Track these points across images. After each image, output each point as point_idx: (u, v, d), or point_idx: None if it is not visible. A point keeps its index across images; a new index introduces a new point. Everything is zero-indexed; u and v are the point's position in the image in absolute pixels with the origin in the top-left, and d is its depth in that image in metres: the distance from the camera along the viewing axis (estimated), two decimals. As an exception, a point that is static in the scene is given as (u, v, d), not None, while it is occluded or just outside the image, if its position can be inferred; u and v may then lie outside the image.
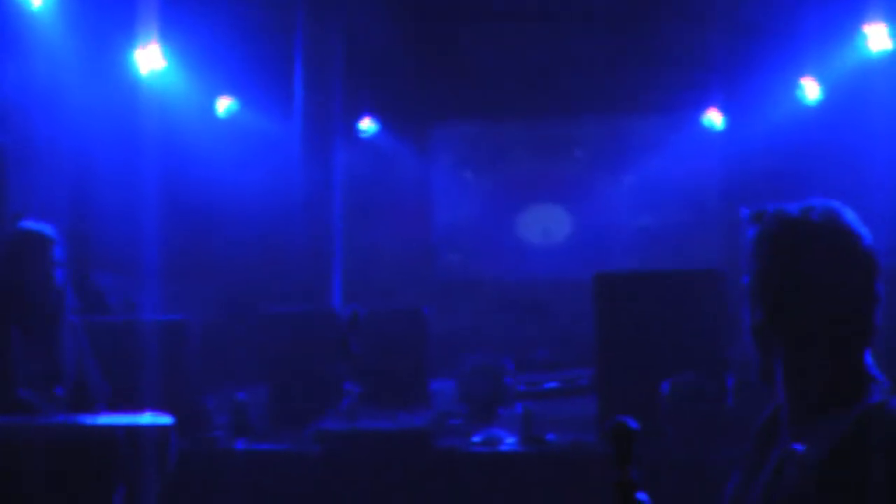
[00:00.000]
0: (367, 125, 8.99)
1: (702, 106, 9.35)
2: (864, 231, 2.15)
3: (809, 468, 2.08)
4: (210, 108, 8.04)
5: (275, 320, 6.40)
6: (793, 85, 8.11)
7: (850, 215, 2.17)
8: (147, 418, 3.94)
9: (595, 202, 9.93)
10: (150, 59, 6.92)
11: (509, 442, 5.49)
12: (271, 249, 7.68)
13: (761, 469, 2.22)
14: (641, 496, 2.08)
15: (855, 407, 2.07)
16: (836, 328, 2.10)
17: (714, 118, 9.32)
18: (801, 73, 8.01)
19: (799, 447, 2.12)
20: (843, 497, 2.04)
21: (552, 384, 6.89)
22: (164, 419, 3.94)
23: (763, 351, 2.22)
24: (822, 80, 7.86)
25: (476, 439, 5.50)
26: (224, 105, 8.00)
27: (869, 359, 2.12)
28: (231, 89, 7.96)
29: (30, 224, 4.15)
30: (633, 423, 2.16)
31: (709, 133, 9.43)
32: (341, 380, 5.88)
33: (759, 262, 2.22)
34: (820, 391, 2.13)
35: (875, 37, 6.71)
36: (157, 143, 7.49)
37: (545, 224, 9.84)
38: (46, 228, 4.12)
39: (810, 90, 7.93)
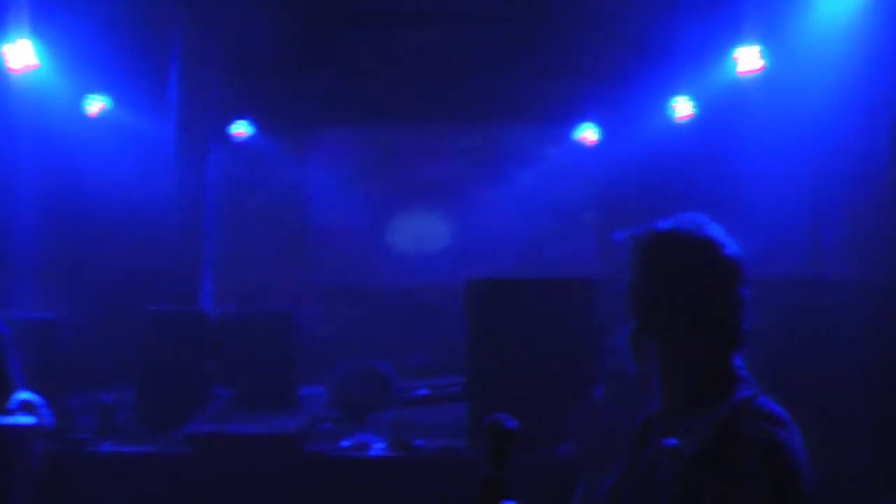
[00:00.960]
0: (243, 127, 8.91)
1: (579, 119, 9.49)
2: (727, 241, 2.25)
3: (682, 462, 2.18)
4: (83, 105, 7.89)
5: (144, 321, 6.31)
6: (667, 101, 8.27)
7: (715, 227, 2.27)
8: (9, 419, 3.86)
9: (473, 210, 10.00)
10: (21, 55, 6.76)
11: (378, 447, 5.50)
12: (144, 250, 7.56)
13: (635, 468, 2.29)
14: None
15: (723, 403, 2.19)
16: (704, 332, 2.21)
17: (591, 131, 9.47)
18: (676, 90, 8.18)
19: (671, 442, 2.20)
20: (715, 488, 2.14)
21: (423, 391, 6.91)
22: (26, 419, 3.87)
23: (638, 356, 2.31)
24: (696, 96, 8.04)
25: (345, 444, 5.51)
26: (98, 102, 7.86)
27: (738, 360, 2.22)
28: (105, 86, 7.82)
29: None
30: (510, 422, 2.22)
31: (585, 145, 9.58)
32: (211, 382, 5.83)
33: (632, 272, 2.32)
34: (690, 391, 2.23)
35: (747, 57, 6.88)
36: (29, 141, 7.34)
37: (422, 231, 9.88)
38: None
39: (683, 106, 8.10)
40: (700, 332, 2.22)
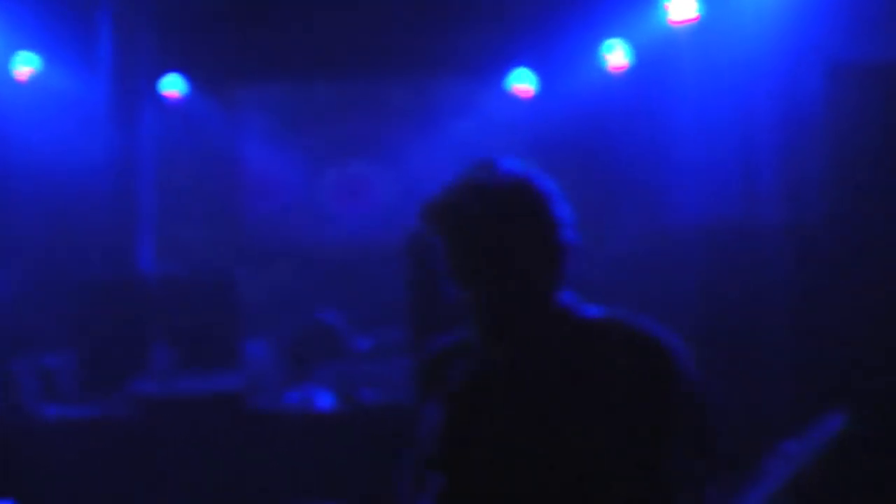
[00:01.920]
0: (175, 84, 8.80)
1: (511, 68, 9.48)
2: (527, 188, 2.33)
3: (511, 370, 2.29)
4: (11, 67, 7.73)
5: (84, 284, 6.26)
6: (601, 49, 8.27)
7: (512, 174, 2.36)
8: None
9: (406, 164, 9.98)
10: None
11: (324, 401, 5.52)
12: (79, 212, 7.46)
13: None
14: None
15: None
16: (508, 280, 2.29)
17: (525, 83, 9.46)
18: (610, 37, 8.17)
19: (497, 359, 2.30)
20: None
21: (365, 345, 6.92)
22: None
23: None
24: (631, 44, 8.05)
25: (290, 399, 5.52)
26: (27, 67, 7.70)
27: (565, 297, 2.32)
28: (32, 43, 7.67)
29: None
30: None
31: (520, 98, 9.57)
32: (152, 343, 5.80)
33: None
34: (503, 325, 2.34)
35: (681, 7, 6.90)
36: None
37: (356, 186, 9.85)
38: None
39: (618, 57, 8.11)
40: (505, 281, 2.29)
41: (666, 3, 7.08)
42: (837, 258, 5.60)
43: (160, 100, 8.48)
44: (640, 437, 2.28)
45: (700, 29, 6.97)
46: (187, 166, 9.15)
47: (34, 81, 7.71)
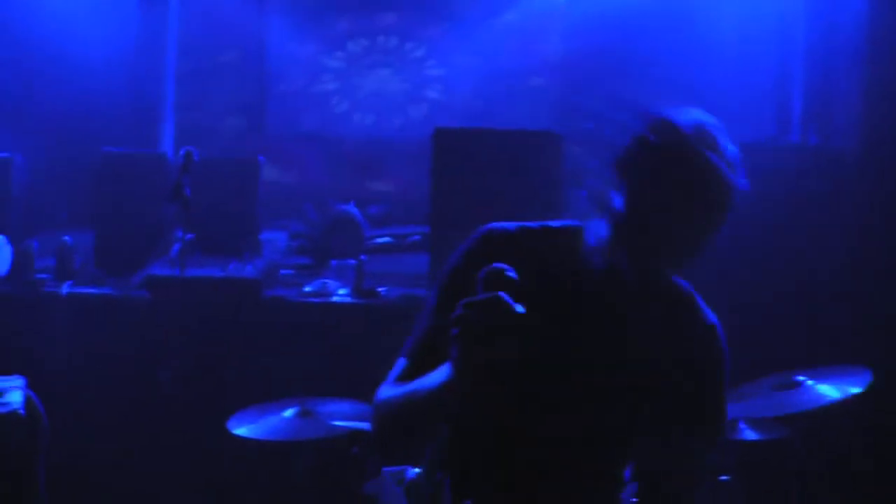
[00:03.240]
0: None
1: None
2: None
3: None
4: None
5: (104, 162, 6.22)
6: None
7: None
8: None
9: (437, 59, 9.86)
10: None
11: (341, 293, 5.51)
12: (103, 90, 7.40)
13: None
14: None
15: None
16: None
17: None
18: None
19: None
20: None
21: (384, 240, 6.90)
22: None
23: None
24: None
25: (308, 289, 5.51)
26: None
27: None
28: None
29: None
30: (510, 272, 2.18)
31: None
32: (171, 226, 5.78)
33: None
34: None
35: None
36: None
37: (382, 81, 9.75)
38: None
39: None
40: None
41: None
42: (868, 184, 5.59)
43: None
44: (663, 410, 2.42)
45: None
46: (211, 52, 9.05)
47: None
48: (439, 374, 2.22)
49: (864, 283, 5.52)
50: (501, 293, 2.09)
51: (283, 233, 6.40)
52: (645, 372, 2.40)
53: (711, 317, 2.48)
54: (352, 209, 6.10)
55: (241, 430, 4.39)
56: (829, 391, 4.36)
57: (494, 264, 2.16)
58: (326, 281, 5.56)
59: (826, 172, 5.80)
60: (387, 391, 2.43)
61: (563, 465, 2.46)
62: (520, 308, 2.10)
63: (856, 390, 4.28)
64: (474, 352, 2.11)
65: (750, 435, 4.58)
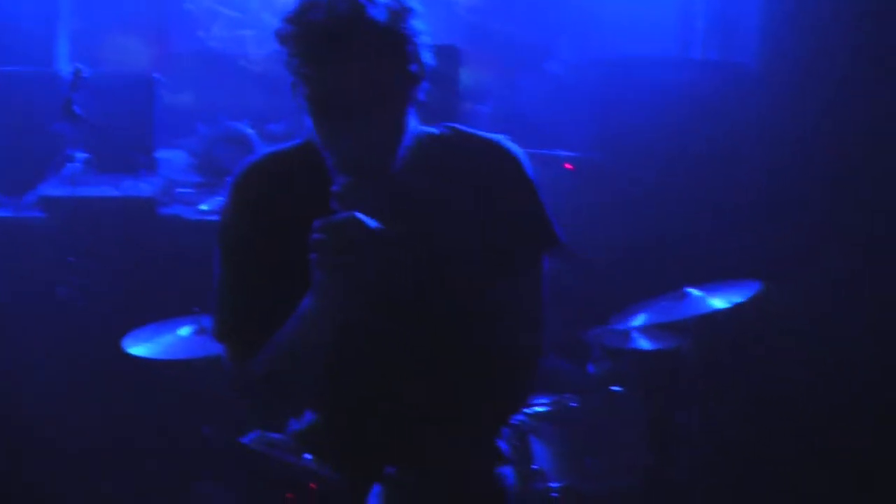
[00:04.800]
0: None
1: None
2: None
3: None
4: None
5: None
6: None
7: None
8: None
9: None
10: None
11: (238, 211, 5.44)
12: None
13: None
14: None
15: None
16: None
17: None
18: None
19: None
20: None
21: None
22: None
23: None
24: None
25: (203, 207, 5.44)
26: None
27: None
28: None
29: None
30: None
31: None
32: (65, 145, 5.66)
33: None
34: None
35: None
36: None
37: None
38: None
39: None
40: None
41: None
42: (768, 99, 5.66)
43: None
44: (492, 234, 2.42)
45: None
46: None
47: None
48: (304, 309, 2.20)
49: (763, 198, 5.59)
50: (357, 212, 2.10)
51: (182, 151, 6.28)
52: (472, 229, 2.40)
53: (488, 137, 2.50)
54: (239, 125, 6.00)
55: (137, 350, 4.35)
56: (718, 302, 4.47)
57: (344, 179, 2.15)
58: (223, 198, 5.47)
59: (726, 87, 5.85)
60: (247, 360, 2.38)
61: (441, 373, 2.46)
62: (373, 222, 2.10)
63: (739, 299, 4.38)
64: (339, 271, 2.10)
65: (643, 345, 4.64)
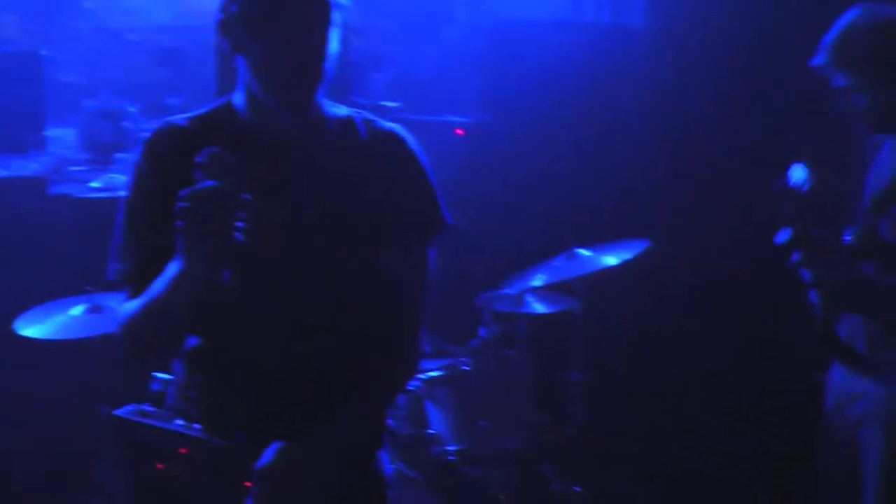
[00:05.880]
0: None
1: None
2: None
3: None
4: None
5: None
6: None
7: None
8: None
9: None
10: None
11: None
12: None
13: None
14: None
15: None
16: None
17: None
18: None
19: None
20: None
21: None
22: None
23: None
24: None
25: (94, 185, 5.39)
26: None
27: None
28: None
29: None
30: (226, 154, 2.24)
31: None
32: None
33: None
34: None
35: None
36: None
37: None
38: None
39: None
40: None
41: None
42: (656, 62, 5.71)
43: None
44: (381, 215, 2.55)
45: None
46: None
47: None
48: (172, 270, 2.26)
49: (651, 159, 5.67)
50: (218, 180, 2.16)
51: (75, 129, 6.20)
52: (364, 207, 2.52)
53: (389, 126, 2.64)
54: (115, 100, 5.94)
55: (29, 331, 4.31)
56: (608, 260, 4.53)
57: (210, 148, 2.21)
58: (113, 175, 5.44)
59: (615, 50, 5.90)
60: (126, 307, 2.45)
61: (320, 339, 2.51)
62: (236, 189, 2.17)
63: (628, 256, 4.44)
64: (201, 241, 2.17)
65: (535, 307, 4.70)
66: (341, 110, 2.62)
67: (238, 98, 2.54)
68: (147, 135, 2.58)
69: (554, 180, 5.54)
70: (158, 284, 2.31)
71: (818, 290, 3.31)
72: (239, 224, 2.19)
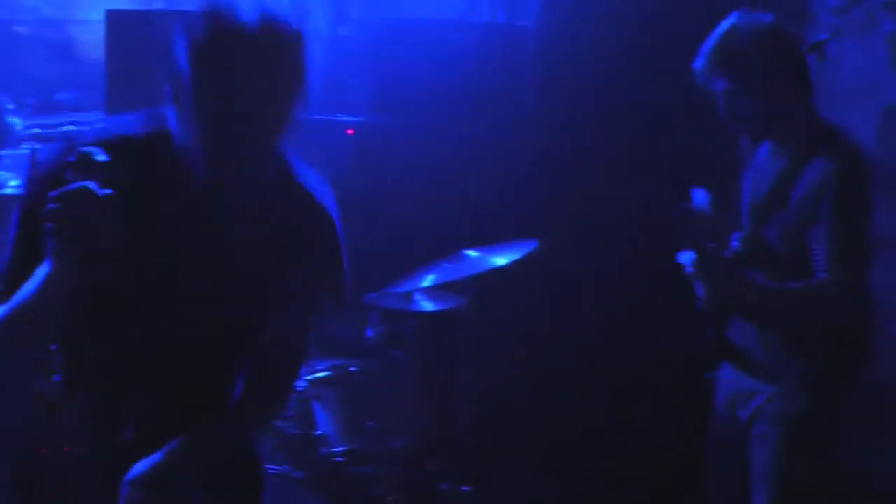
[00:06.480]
0: None
1: None
2: None
3: None
4: None
5: None
6: None
7: None
8: None
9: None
10: None
11: (12, 185, 5.32)
12: None
13: None
14: None
15: None
16: None
17: None
18: None
19: None
20: None
21: (68, 128, 6.63)
22: None
23: None
24: None
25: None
26: None
27: None
28: None
29: None
30: (98, 154, 2.21)
31: None
32: None
33: None
34: None
35: None
36: None
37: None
38: None
39: None
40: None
41: None
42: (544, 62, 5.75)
43: None
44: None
45: None
46: None
47: None
48: (40, 273, 2.24)
49: (539, 159, 5.71)
50: (89, 182, 2.13)
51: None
52: (255, 266, 2.48)
53: (312, 190, 2.54)
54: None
55: None
56: (497, 260, 4.56)
57: (82, 148, 2.19)
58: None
59: (506, 50, 5.93)
60: None
61: (178, 364, 2.51)
62: (107, 191, 2.14)
63: (516, 256, 4.47)
64: (69, 242, 2.15)
65: (423, 307, 4.72)
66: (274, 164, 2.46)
67: (173, 126, 2.36)
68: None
69: (444, 179, 5.55)
70: (27, 287, 2.28)
71: (712, 299, 3.41)
72: (108, 226, 2.16)
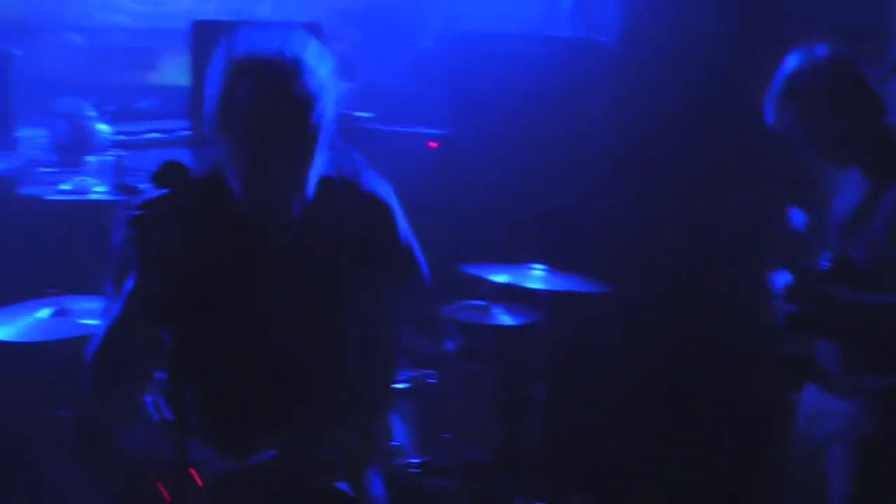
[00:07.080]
0: None
1: None
2: None
3: None
4: None
5: None
6: None
7: None
8: None
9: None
10: None
11: (99, 191, 5.40)
12: None
13: None
14: None
15: None
16: None
17: None
18: None
19: None
20: None
21: (152, 135, 6.74)
22: None
23: None
24: None
25: (64, 187, 5.38)
26: None
27: None
28: None
29: None
30: (180, 161, 2.23)
31: None
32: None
33: None
34: None
35: None
36: None
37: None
38: None
39: None
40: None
41: None
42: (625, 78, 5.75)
43: None
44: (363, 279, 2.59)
45: None
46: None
47: None
48: (127, 287, 2.30)
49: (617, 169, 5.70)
50: (170, 188, 2.19)
51: (47, 129, 6.16)
52: (332, 273, 2.56)
53: (367, 187, 2.62)
54: (77, 102, 5.91)
55: (-4, 334, 4.29)
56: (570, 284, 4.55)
57: (165, 160, 2.23)
58: (85, 178, 5.42)
59: (586, 65, 5.93)
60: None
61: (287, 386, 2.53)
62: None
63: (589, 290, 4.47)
64: (152, 248, 2.18)
65: (499, 320, 4.73)
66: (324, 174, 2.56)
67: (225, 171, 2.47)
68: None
69: (521, 193, 5.57)
70: (116, 304, 2.33)
71: (805, 320, 3.43)
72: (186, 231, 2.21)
